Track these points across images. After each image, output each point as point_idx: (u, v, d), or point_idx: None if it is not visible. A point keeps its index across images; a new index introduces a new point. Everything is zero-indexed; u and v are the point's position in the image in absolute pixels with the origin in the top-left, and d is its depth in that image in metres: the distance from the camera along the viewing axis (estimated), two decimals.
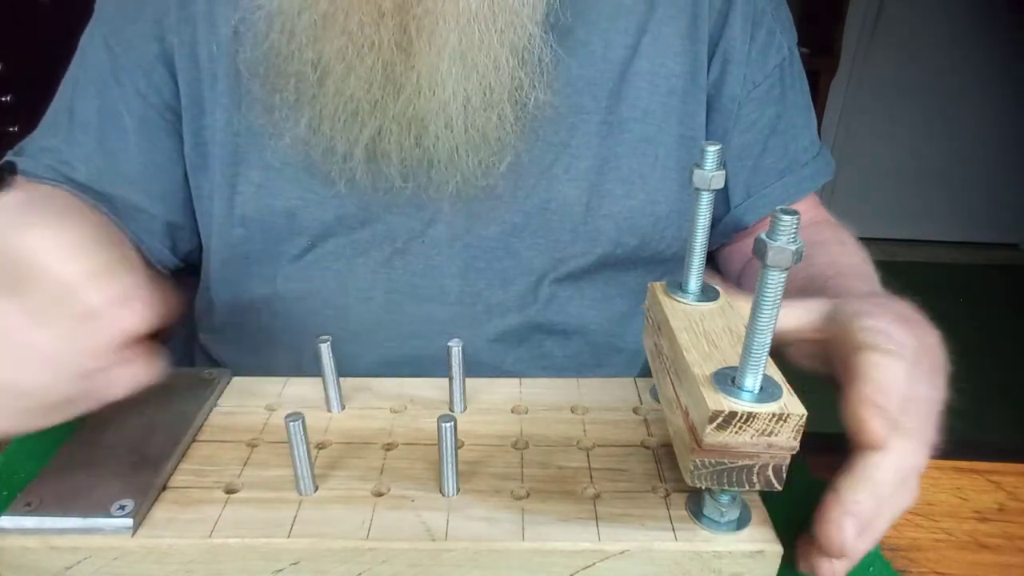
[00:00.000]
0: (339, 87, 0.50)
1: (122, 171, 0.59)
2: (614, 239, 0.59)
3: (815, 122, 0.69)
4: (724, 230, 0.68)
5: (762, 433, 0.31)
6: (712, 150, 0.36)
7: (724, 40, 0.60)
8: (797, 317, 0.43)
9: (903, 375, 0.36)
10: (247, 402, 0.45)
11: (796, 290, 0.55)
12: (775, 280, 0.29)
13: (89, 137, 0.59)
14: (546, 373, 0.62)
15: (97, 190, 0.58)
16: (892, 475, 0.36)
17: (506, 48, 0.50)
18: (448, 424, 0.36)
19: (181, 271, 0.67)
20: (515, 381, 0.47)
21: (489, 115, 0.51)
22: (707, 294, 0.40)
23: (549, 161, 0.56)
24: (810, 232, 0.65)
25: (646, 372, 0.66)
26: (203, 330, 0.66)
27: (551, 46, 0.52)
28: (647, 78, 0.58)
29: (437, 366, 0.50)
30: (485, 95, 0.51)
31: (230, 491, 0.38)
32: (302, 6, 0.49)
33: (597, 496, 0.38)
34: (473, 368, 0.57)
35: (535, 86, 0.52)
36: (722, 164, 0.37)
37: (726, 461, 0.31)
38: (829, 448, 0.50)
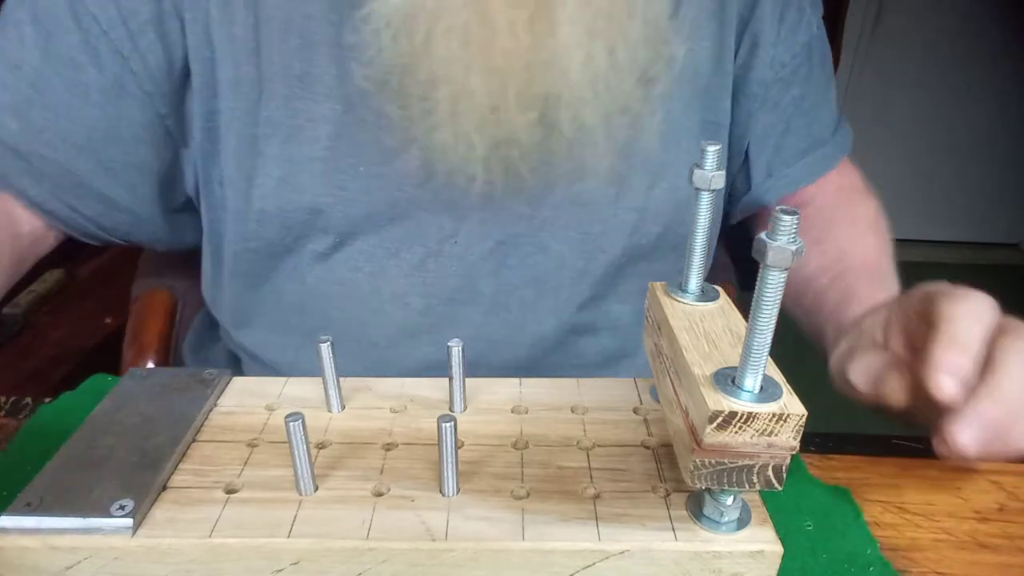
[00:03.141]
0: (454, 108, 0.48)
1: (64, 132, 0.54)
2: (639, 228, 0.59)
3: (835, 92, 0.68)
4: (744, 207, 0.68)
5: (762, 433, 0.31)
6: (712, 150, 0.36)
7: (754, 22, 0.59)
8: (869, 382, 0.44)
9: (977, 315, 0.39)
10: (247, 402, 0.45)
11: (791, 295, 0.56)
12: (775, 280, 0.29)
13: (22, 86, 0.53)
14: (577, 371, 0.62)
15: (22, 150, 0.53)
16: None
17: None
18: (448, 424, 0.36)
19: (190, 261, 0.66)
20: (515, 381, 0.47)
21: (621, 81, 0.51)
22: (707, 294, 0.40)
23: (578, 152, 0.55)
24: (824, 214, 0.65)
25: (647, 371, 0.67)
26: (226, 322, 0.65)
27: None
28: (673, 62, 0.57)
29: (476, 369, 0.52)
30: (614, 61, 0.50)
31: (230, 491, 0.38)
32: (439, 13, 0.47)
33: (597, 496, 0.38)
34: (510, 372, 0.58)
35: (676, 43, 0.53)
36: (723, 164, 0.37)
37: (726, 461, 0.31)
38: (829, 448, 0.50)
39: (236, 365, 0.67)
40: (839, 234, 0.61)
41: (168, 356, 0.73)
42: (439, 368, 0.56)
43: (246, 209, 0.56)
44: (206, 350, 0.70)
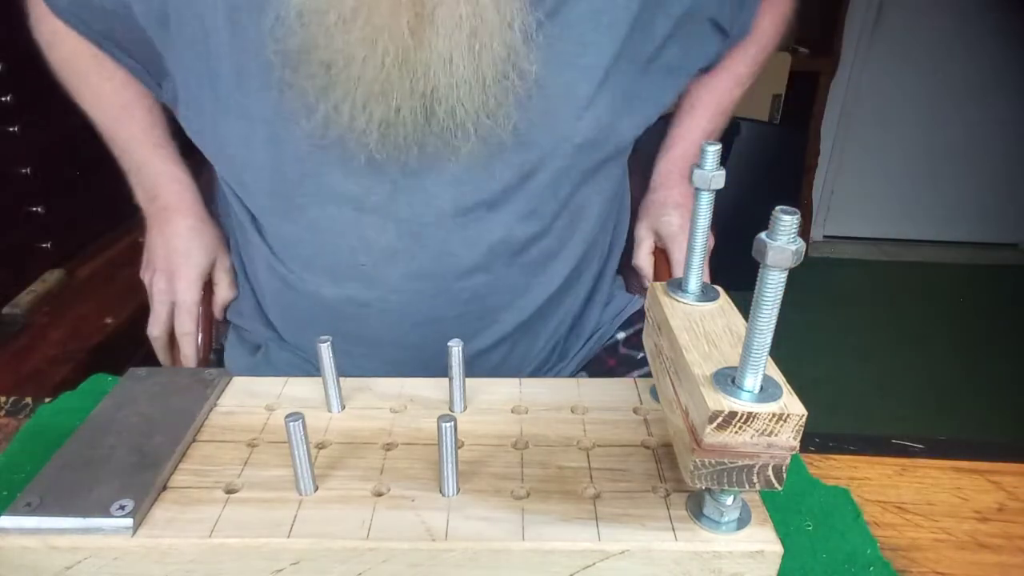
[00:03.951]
0: (360, 73, 0.57)
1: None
2: (577, 149, 0.68)
3: None
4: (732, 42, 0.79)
5: (762, 433, 0.31)
6: (712, 150, 0.36)
7: None
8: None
9: None
10: (247, 402, 0.45)
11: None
12: (775, 280, 0.29)
13: None
14: (521, 268, 0.71)
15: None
16: None
17: (510, 27, 0.57)
18: (448, 424, 0.36)
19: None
20: (515, 381, 0.47)
21: (497, 87, 0.59)
22: (707, 294, 0.40)
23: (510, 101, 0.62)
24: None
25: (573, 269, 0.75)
26: (256, 240, 0.75)
27: (540, 20, 0.60)
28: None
29: (445, 280, 0.68)
30: (495, 68, 0.58)
31: (230, 491, 0.38)
32: (329, 4, 0.56)
33: (597, 496, 0.38)
34: (471, 271, 0.69)
35: (532, 60, 0.60)
36: (722, 164, 0.37)
37: (726, 461, 0.31)
38: (829, 448, 0.50)
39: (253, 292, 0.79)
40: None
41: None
42: (418, 280, 0.69)
43: (254, 164, 0.66)
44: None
